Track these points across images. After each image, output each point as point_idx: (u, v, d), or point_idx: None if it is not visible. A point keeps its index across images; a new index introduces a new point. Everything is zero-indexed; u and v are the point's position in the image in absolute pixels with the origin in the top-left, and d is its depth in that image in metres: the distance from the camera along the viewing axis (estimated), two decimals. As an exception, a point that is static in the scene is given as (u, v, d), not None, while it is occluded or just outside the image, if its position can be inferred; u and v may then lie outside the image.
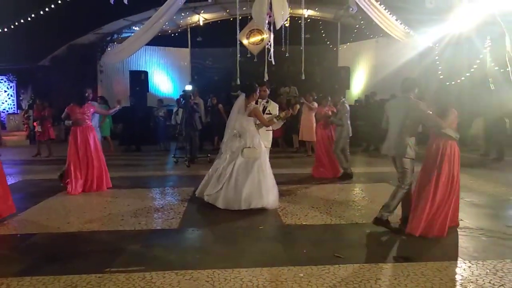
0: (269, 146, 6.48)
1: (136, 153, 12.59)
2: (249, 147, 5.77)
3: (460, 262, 3.93)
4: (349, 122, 8.03)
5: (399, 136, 4.78)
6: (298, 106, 6.32)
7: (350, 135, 8.08)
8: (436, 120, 4.64)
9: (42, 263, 4.00)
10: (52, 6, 10.82)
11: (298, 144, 12.41)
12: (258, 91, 5.98)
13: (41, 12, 10.96)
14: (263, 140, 6.12)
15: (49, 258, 4.12)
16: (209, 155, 10.65)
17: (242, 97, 5.98)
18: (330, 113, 8.19)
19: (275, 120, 6.07)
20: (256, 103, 6.12)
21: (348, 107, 8.05)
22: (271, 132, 6.50)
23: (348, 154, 8.14)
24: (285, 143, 12.86)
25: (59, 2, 10.74)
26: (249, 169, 5.75)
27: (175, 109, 13.17)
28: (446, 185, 4.66)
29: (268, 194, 5.75)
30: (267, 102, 6.41)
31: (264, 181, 5.75)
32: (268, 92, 6.47)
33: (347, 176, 8.03)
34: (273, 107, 6.39)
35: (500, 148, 10.29)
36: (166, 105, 14.58)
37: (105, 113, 9.20)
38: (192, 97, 10.55)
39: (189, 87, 10.63)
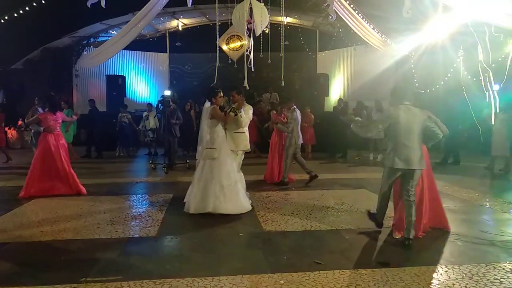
0: (240, 149, 6.29)
1: (112, 160, 12.31)
2: (208, 148, 5.87)
3: (437, 267, 4.00)
4: (298, 129, 8.12)
5: (419, 148, 4.60)
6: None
7: (300, 142, 8.18)
8: (443, 126, 4.79)
9: (14, 273, 3.87)
10: (27, 8, 10.53)
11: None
12: (219, 95, 5.96)
13: (15, 14, 10.66)
14: (232, 143, 6.07)
15: (22, 268, 3.99)
16: (188, 161, 10.55)
17: (207, 104, 6.03)
18: (284, 119, 8.23)
19: (231, 114, 5.97)
20: (230, 108, 6.09)
21: (296, 115, 8.09)
22: (242, 134, 6.28)
23: (300, 158, 8.24)
24: (259, 149, 12.79)
25: (34, 4, 10.48)
26: (203, 172, 5.85)
27: (145, 114, 12.93)
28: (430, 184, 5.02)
29: (212, 198, 5.69)
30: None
31: (211, 184, 5.75)
32: (239, 97, 6.31)
33: (313, 179, 8.15)
34: (246, 110, 6.26)
35: (456, 153, 10.70)
36: (140, 110, 14.37)
37: (69, 120, 9.02)
38: (171, 103, 10.43)
39: (167, 92, 10.50)
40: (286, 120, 8.18)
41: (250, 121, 6.46)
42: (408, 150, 4.56)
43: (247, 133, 6.42)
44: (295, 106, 8.22)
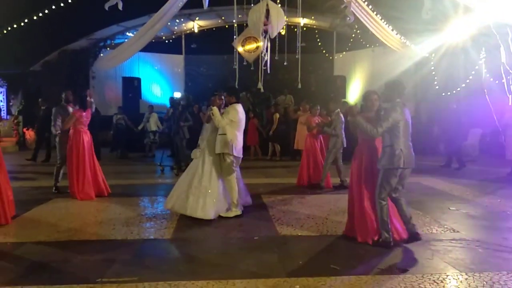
0: (223, 151, 5.79)
1: (125, 161, 12.31)
2: (197, 148, 6.03)
3: (457, 274, 3.89)
4: (343, 132, 7.98)
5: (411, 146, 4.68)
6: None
7: (344, 145, 8.02)
8: None
9: (31, 272, 3.92)
10: (46, 11, 10.71)
11: (291, 152, 12.28)
12: (216, 97, 6.01)
13: (34, 17, 10.84)
14: (217, 145, 5.83)
15: (39, 268, 4.03)
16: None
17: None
18: (319, 122, 8.15)
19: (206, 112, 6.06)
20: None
21: (342, 118, 7.95)
22: (224, 136, 5.77)
23: (341, 164, 8.10)
24: (260, 151, 12.72)
25: (53, 7, 10.64)
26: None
27: (146, 116, 12.94)
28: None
29: (175, 196, 5.75)
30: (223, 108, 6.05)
31: (182, 181, 5.84)
32: (229, 99, 6.09)
33: (342, 188, 7.97)
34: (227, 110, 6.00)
35: (459, 156, 10.46)
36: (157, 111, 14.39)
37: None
38: (180, 104, 10.46)
39: (177, 94, 10.53)
40: (319, 122, 8.14)
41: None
42: (409, 149, 4.63)
43: (231, 135, 5.81)
44: (339, 109, 8.12)
